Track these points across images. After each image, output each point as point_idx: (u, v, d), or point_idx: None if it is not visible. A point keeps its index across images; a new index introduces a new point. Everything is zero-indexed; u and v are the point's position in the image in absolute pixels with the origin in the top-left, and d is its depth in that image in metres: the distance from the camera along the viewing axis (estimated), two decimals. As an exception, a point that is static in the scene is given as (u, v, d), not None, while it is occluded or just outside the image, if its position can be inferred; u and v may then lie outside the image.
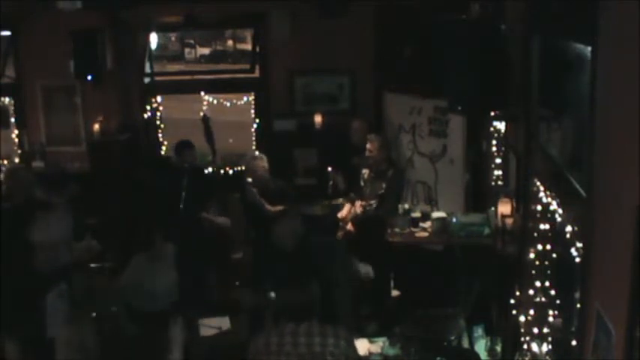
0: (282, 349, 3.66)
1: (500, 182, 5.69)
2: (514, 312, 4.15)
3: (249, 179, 6.88)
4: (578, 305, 2.74)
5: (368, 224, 6.67)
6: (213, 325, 5.44)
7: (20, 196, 5.98)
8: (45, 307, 4.61)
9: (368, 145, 6.80)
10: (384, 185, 6.77)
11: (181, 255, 6.30)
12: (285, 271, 4.97)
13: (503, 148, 5.60)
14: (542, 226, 3.71)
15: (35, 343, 4.53)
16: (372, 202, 6.82)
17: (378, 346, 4.96)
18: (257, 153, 7.30)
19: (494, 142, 5.83)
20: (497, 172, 5.75)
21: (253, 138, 8.58)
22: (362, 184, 7.00)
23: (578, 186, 2.80)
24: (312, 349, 3.66)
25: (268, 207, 6.72)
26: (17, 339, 4.44)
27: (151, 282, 5.42)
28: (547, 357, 3.65)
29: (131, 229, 6.82)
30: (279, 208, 6.80)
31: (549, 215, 3.52)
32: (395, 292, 6.70)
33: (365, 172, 6.99)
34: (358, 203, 6.93)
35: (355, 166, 7.11)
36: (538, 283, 3.75)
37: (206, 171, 8.16)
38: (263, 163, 6.86)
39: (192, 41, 20.67)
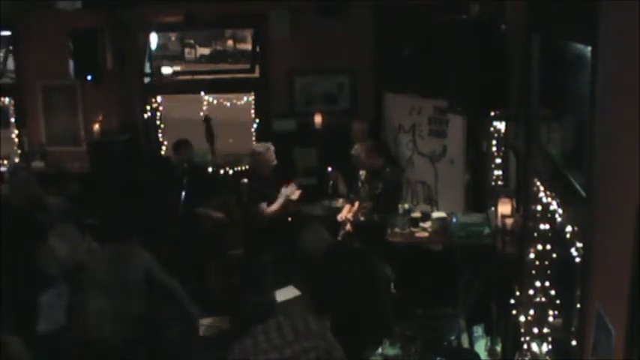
0: (258, 349, 3.69)
1: (500, 182, 5.68)
2: (514, 312, 4.15)
3: (245, 180, 6.89)
4: (578, 305, 2.74)
5: (367, 231, 6.65)
6: (213, 325, 5.44)
7: (20, 196, 5.99)
8: (40, 304, 4.65)
9: (355, 156, 6.79)
10: (380, 185, 6.76)
11: (182, 254, 6.30)
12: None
13: (503, 148, 5.60)
14: (542, 226, 3.71)
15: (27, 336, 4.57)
16: (369, 204, 6.79)
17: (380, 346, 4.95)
18: (264, 144, 7.04)
19: (494, 142, 5.82)
20: (497, 172, 5.75)
21: (253, 138, 8.59)
22: (360, 184, 7.00)
23: (578, 186, 2.80)
24: (286, 339, 3.70)
25: (266, 207, 6.72)
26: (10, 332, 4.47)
27: (126, 277, 5.33)
28: (547, 357, 3.65)
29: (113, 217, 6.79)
30: (276, 207, 6.80)
31: (549, 215, 3.52)
32: (395, 292, 6.69)
33: (362, 172, 6.99)
34: (357, 203, 6.94)
35: (355, 165, 7.12)
36: (538, 283, 3.75)
37: (209, 170, 8.18)
38: (272, 155, 6.84)
39: (192, 41, 20.69)
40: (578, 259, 2.77)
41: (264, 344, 3.68)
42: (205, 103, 8.72)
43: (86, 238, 6.15)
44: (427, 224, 6.42)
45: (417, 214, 6.52)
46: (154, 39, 8.69)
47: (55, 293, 4.87)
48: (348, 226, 6.85)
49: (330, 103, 8.28)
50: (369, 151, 6.79)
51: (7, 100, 8.83)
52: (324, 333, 3.83)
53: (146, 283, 5.32)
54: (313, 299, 4.92)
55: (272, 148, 6.86)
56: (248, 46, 9.35)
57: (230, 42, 20.89)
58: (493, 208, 5.49)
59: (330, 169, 7.28)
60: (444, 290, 5.80)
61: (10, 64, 8.72)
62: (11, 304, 4.77)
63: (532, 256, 3.81)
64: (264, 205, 6.74)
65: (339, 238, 6.90)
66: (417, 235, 6.35)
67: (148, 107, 8.69)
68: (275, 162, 6.84)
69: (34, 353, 4.55)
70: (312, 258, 5.01)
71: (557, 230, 3.50)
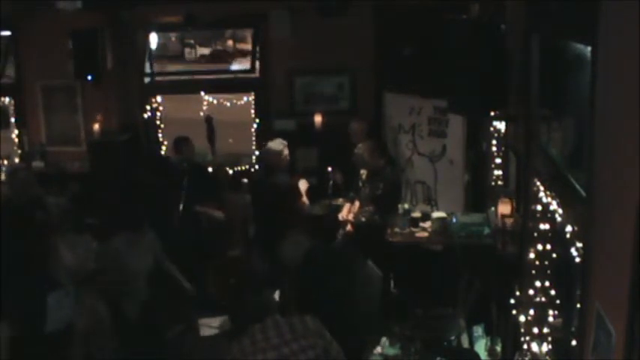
0: (257, 349, 3.69)
1: (500, 182, 5.69)
2: (514, 312, 4.16)
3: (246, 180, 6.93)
4: (578, 305, 2.74)
5: (367, 231, 6.64)
6: (213, 325, 5.44)
7: (21, 196, 5.99)
8: (47, 304, 4.66)
9: (358, 155, 6.81)
10: (381, 185, 6.77)
11: (182, 254, 6.30)
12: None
13: (503, 148, 5.60)
14: (542, 226, 3.71)
15: (34, 336, 4.57)
16: (370, 207, 6.79)
17: (378, 346, 4.96)
18: (280, 141, 7.07)
19: (494, 142, 5.82)
20: (497, 172, 5.75)
21: (253, 138, 8.59)
22: (360, 184, 7.01)
23: (578, 186, 2.80)
24: (284, 338, 3.71)
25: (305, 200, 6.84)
26: (17, 332, 4.48)
27: (131, 264, 5.37)
28: (547, 357, 3.65)
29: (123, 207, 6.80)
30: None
31: (549, 215, 3.52)
32: (394, 292, 6.69)
33: (363, 172, 7.00)
34: (357, 203, 6.94)
35: (355, 165, 7.12)
36: (538, 283, 3.75)
37: (209, 170, 8.18)
38: (287, 152, 6.96)
39: (192, 41, 20.64)
40: (578, 259, 2.77)
41: (263, 343, 3.69)
42: (205, 103, 8.71)
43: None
44: (427, 224, 6.42)
45: (417, 214, 6.52)
46: (153, 39, 8.67)
47: (63, 293, 4.88)
48: (349, 227, 6.85)
49: (330, 103, 8.28)
50: (372, 151, 6.80)
51: (7, 100, 8.83)
52: (321, 331, 3.84)
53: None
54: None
55: (286, 143, 6.96)
56: (248, 46, 9.31)
57: (230, 42, 20.85)
58: (493, 208, 5.50)
59: (330, 169, 7.28)
60: (444, 290, 5.80)
61: (10, 63, 8.71)
62: (12, 304, 4.76)
63: (532, 256, 3.81)
64: (303, 186, 6.87)
65: (339, 238, 6.91)
66: (417, 235, 6.35)
67: (148, 107, 8.68)
68: (288, 159, 6.93)
69: (39, 352, 4.56)
70: (290, 267, 5.06)
71: (557, 230, 3.50)
